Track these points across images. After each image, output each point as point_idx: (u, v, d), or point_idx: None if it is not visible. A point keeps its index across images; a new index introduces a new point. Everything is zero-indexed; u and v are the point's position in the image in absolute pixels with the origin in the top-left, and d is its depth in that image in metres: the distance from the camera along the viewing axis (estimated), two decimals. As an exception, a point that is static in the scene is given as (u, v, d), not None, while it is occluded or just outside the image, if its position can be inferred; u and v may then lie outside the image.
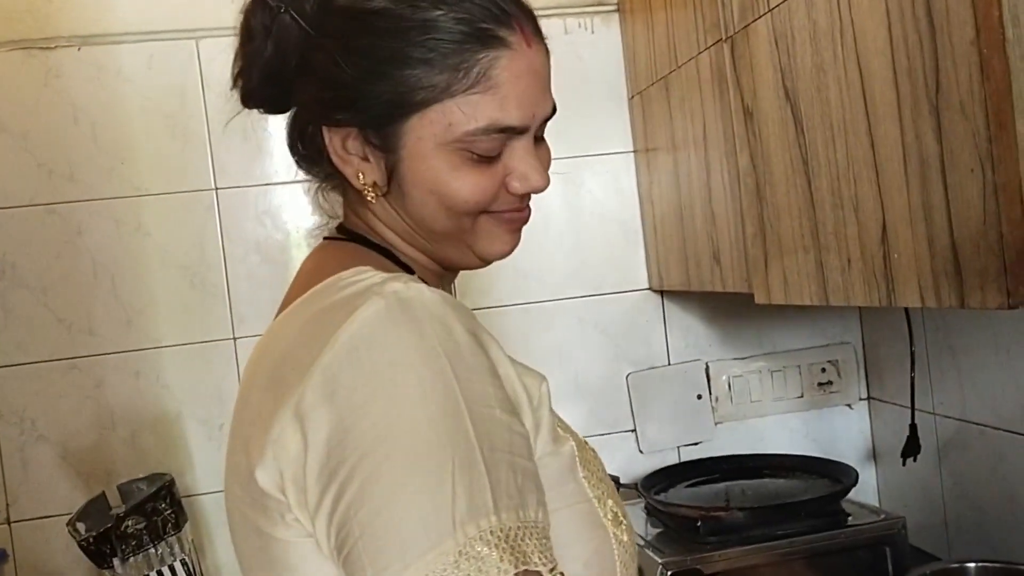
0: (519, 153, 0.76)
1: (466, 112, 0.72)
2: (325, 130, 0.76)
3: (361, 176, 0.77)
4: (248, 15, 0.78)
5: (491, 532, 0.61)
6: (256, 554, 0.71)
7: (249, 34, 0.78)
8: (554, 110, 0.80)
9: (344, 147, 0.76)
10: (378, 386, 0.64)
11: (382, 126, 0.74)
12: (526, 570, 0.61)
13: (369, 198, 0.77)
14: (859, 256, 1.01)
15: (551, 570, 0.63)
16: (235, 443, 0.73)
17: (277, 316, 0.76)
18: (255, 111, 0.84)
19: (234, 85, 0.81)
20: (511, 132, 0.75)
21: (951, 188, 0.85)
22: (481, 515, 0.61)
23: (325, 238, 0.84)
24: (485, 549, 0.60)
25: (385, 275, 0.70)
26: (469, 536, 0.60)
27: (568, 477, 0.73)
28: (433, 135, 0.73)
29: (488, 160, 0.75)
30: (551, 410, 0.74)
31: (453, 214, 0.76)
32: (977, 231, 0.82)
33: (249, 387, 0.73)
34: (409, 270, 0.79)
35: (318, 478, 0.64)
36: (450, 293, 0.86)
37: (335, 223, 0.85)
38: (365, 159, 0.76)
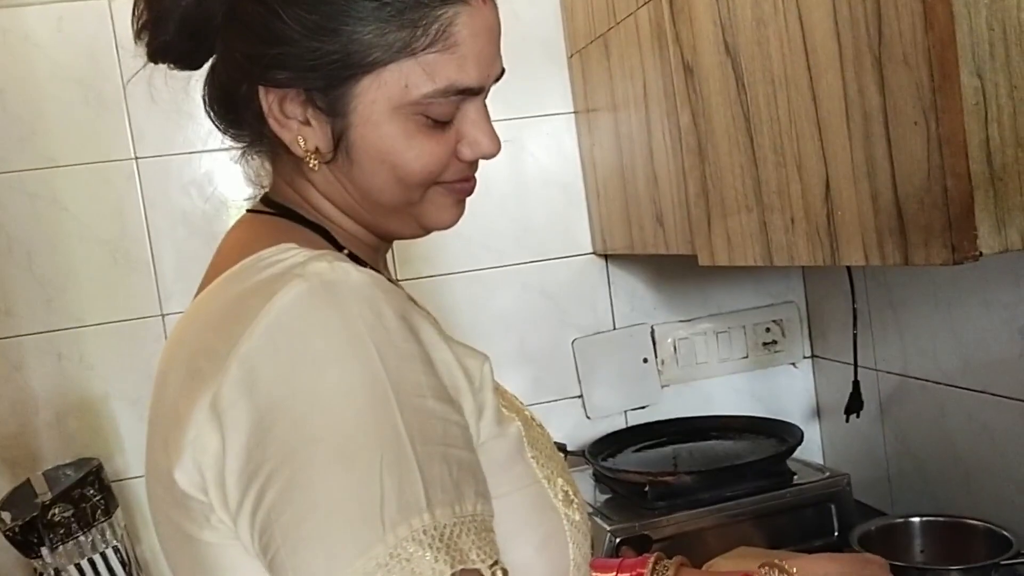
0: (471, 117, 0.72)
1: (425, 73, 0.67)
2: (261, 90, 0.69)
3: (302, 142, 0.70)
4: None
5: (424, 531, 0.57)
6: (184, 557, 0.66)
7: None
8: (503, 71, 0.75)
9: (282, 109, 0.69)
10: (299, 379, 0.59)
11: (330, 88, 0.67)
12: (463, 569, 0.58)
13: (311, 166, 0.71)
14: (803, 215, 0.99)
15: (491, 565, 0.59)
16: (154, 440, 0.67)
17: (196, 296, 0.71)
18: (169, 71, 0.75)
19: (138, 38, 0.73)
20: (468, 94, 0.70)
21: (894, 142, 0.82)
22: (413, 514, 0.57)
23: (248, 211, 0.77)
24: (418, 550, 0.56)
25: (309, 253, 0.65)
26: (400, 537, 0.56)
27: (516, 459, 0.70)
28: (388, 98, 0.67)
29: (441, 125, 0.70)
30: (495, 390, 0.70)
31: (404, 185, 0.71)
32: (921, 186, 0.80)
33: (165, 379, 0.67)
34: (339, 246, 0.74)
35: (238, 480, 0.59)
36: (383, 265, 0.82)
37: (262, 194, 0.79)
38: (306, 123, 0.70)
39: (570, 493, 0.72)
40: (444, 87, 0.68)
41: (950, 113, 0.77)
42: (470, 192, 0.77)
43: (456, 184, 0.75)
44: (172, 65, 0.75)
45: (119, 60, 1.49)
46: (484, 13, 0.70)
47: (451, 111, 0.70)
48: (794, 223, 1.00)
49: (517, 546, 0.65)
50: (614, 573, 0.96)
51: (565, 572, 0.70)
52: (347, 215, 0.75)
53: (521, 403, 0.78)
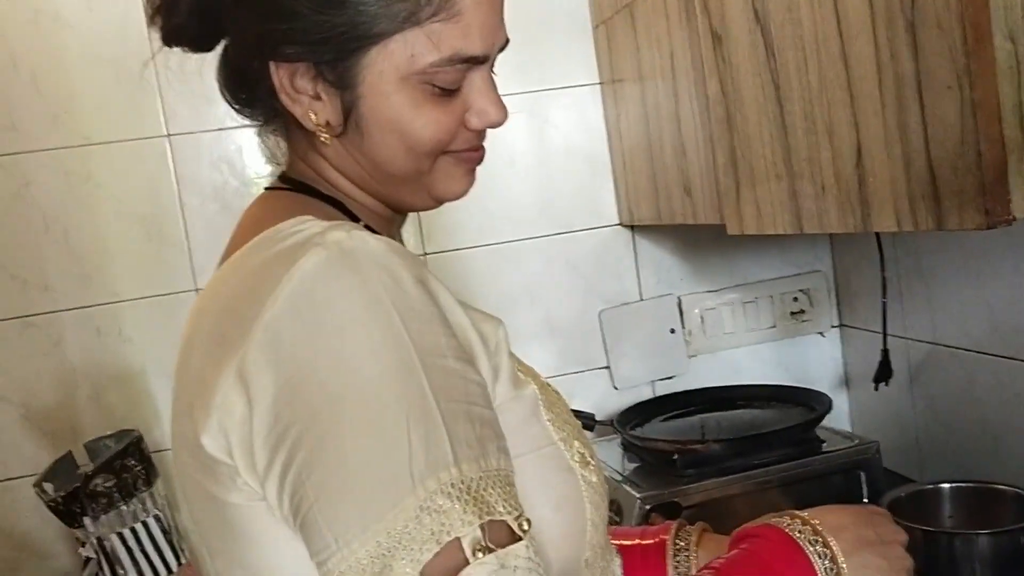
0: (477, 85, 0.73)
1: (431, 41, 0.68)
2: (272, 66, 0.70)
3: (313, 116, 0.71)
4: None
5: (452, 484, 0.59)
6: (211, 519, 0.68)
7: None
8: (506, 41, 0.76)
9: (292, 85, 0.71)
10: (324, 342, 0.60)
11: (339, 60, 0.69)
12: (491, 520, 0.59)
13: (323, 139, 0.72)
14: (833, 182, 0.99)
15: (516, 518, 0.61)
16: (179, 407, 0.69)
17: (217, 270, 0.72)
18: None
19: (152, 22, 0.75)
20: (473, 62, 0.71)
21: (928, 107, 0.82)
22: (440, 468, 0.59)
23: (266, 188, 0.79)
24: (447, 502, 0.58)
25: (326, 224, 0.66)
26: (429, 490, 0.58)
27: (532, 421, 0.71)
28: (395, 67, 0.69)
29: (449, 94, 0.71)
30: (510, 354, 0.72)
31: (414, 154, 0.72)
32: (954, 150, 0.80)
33: (190, 347, 0.69)
34: (355, 218, 0.75)
35: (265, 441, 0.61)
36: (399, 238, 0.83)
37: (279, 171, 0.80)
38: (316, 97, 0.71)
39: (586, 455, 0.73)
40: (449, 55, 0.69)
41: (983, 77, 0.76)
42: (479, 161, 0.78)
43: (464, 153, 0.76)
44: (186, 48, 0.77)
45: (149, 38, 1.50)
46: None
47: (457, 79, 0.71)
48: (824, 190, 1.00)
49: (534, 506, 0.66)
50: (637, 539, 0.97)
51: (582, 531, 0.71)
52: (360, 187, 0.76)
53: (536, 371, 0.79)
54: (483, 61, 0.72)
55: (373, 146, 0.72)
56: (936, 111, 0.81)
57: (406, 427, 0.59)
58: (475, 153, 0.77)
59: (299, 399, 0.60)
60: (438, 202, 0.78)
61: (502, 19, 0.74)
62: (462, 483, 0.59)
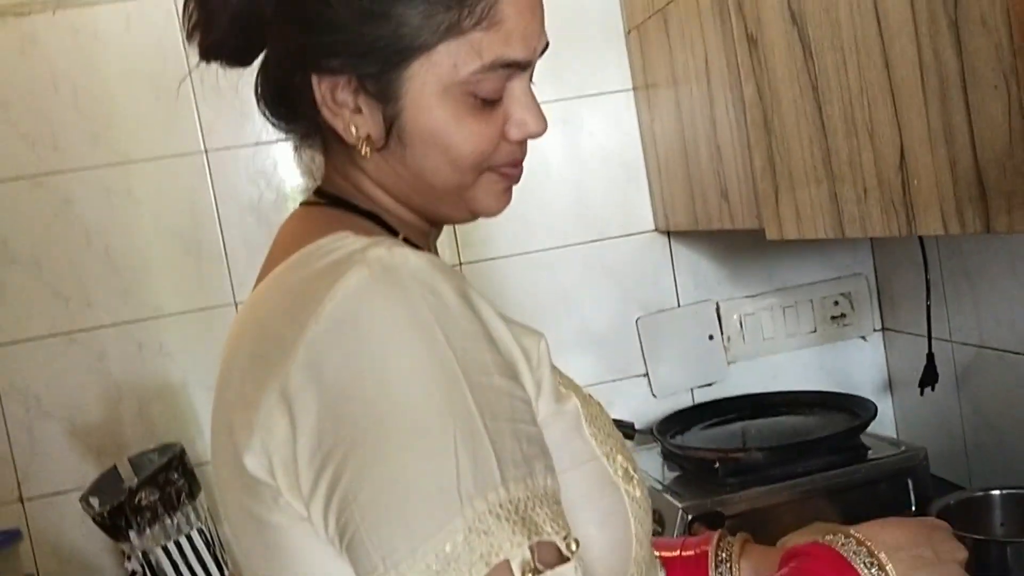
0: (516, 95, 0.73)
1: (473, 50, 0.68)
2: (314, 79, 0.70)
3: (354, 129, 0.71)
4: None
5: (500, 505, 0.58)
6: (252, 538, 0.67)
7: None
8: (547, 45, 0.75)
9: (333, 98, 0.70)
10: (368, 362, 0.60)
11: (382, 73, 0.68)
12: (539, 541, 0.59)
13: (364, 153, 0.72)
14: (875, 185, 0.97)
15: (564, 538, 0.60)
16: (219, 426, 0.69)
17: (255, 287, 0.72)
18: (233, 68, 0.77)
19: (190, 38, 0.75)
20: (515, 67, 0.71)
21: (973, 107, 0.80)
22: (489, 488, 0.58)
23: (302, 203, 0.79)
24: (496, 523, 0.57)
25: (367, 240, 0.66)
26: (478, 511, 0.57)
27: (574, 436, 0.70)
28: (438, 79, 0.68)
29: (490, 106, 0.71)
30: (552, 368, 0.71)
31: (456, 168, 0.72)
32: (1002, 151, 0.78)
33: (230, 366, 0.69)
34: (393, 232, 0.75)
35: (310, 462, 0.60)
36: (435, 249, 0.83)
37: (315, 186, 0.80)
38: (357, 110, 0.70)
39: (630, 470, 0.72)
40: (491, 61, 0.69)
41: (1032, 75, 0.74)
42: (518, 179, 0.78)
43: (506, 169, 0.75)
44: (224, 63, 0.76)
45: (186, 55, 1.51)
46: None
47: (498, 88, 0.71)
48: (867, 193, 0.99)
49: (579, 523, 0.65)
50: (678, 551, 0.96)
51: (628, 547, 0.70)
52: (399, 201, 0.76)
53: (577, 384, 0.78)
54: (525, 67, 0.72)
55: (415, 159, 0.72)
56: (982, 111, 0.79)
57: (453, 446, 0.58)
58: (514, 170, 0.76)
59: (344, 419, 0.59)
60: (474, 217, 0.78)
61: (543, 23, 0.73)
62: (510, 503, 0.58)
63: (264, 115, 0.78)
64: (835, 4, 0.98)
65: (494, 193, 0.76)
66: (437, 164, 0.72)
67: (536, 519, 0.59)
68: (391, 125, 0.70)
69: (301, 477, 0.61)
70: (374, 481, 0.58)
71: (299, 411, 0.60)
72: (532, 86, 0.76)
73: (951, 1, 0.81)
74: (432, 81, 0.68)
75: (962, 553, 0.82)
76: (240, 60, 0.76)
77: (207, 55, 0.75)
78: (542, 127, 0.74)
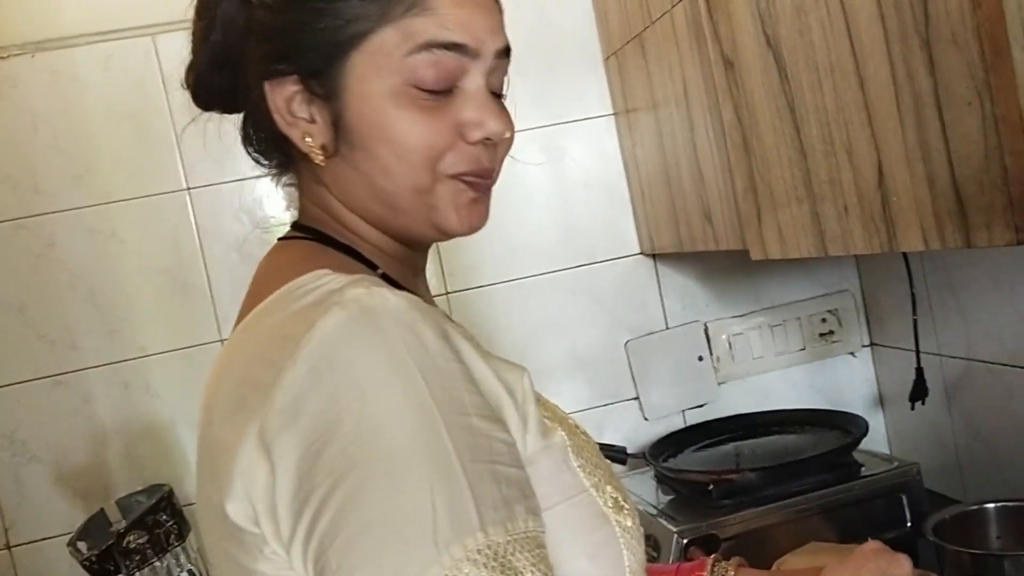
0: (470, 92, 0.71)
1: (403, 34, 0.68)
2: (267, 88, 0.71)
3: (309, 139, 0.71)
4: (197, 10, 0.75)
5: (478, 551, 0.57)
6: None
7: (198, 17, 0.75)
8: (508, 49, 0.74)
9: (289, 109, 0.71)
10: (345, 405, 0.59)
11: (323, 69, 0.69)
12: None
13: (318, 161, 0.71)
14: (856, 203, 0.97)
15: None
16: (203, 474, 0.68)
17: (235, 327, 0.72)
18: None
19: (185, 86, 0.77)
20: (456, 51, 0.69)
21: (948, 124, 0.81)
22: (467, 533, 0.57)
23: (280, 238, 0.78)
24: (474, 570, 0.56)
25: (345, 279, 0.65)
26: (456, 558, 0.56)
27: (562, 469, 0.69)
28: (375, 68, 0.68)
29: (437, 98, 0.70)
30: (536, 402, 0.70)
31: (406, 163, 0.70)
32: (979, 167, 0.78)
33: (211, 412, 0.68)
34: (372, 265, 0.74)
35: (289, 507, 0.60)
36: (422, 278, 0.82)
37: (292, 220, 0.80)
38: (312, 121, 0.71)
39: (620, 499, 0.72)
40: (424, 42, 0.68)
41: (1004, 91, 0.75)
42: (485, 189, 0.74)
43: (470, 177, 0.72)
44: (217, 108, 0.78)
45: (167, 94, 1.53)
46: None
47: (442, 77, 0.69)
48: (847, 211, 0.99)
49: (571, 556, 0.65)
50: None
51: None
52: (365, 219, 0.75)
53: (564, 412, 0.77)
54: (468, 52, 0.70)
55: (366, 160, 0.71)
56: (957, 127, 0.80)
57: (429, 491, 0.57)
58: (481, 180, 0.73)
59: (321, 463, 0.59)
60: (441, 232, 0.74)
61: (493, 20, 0.72)
62: (489, 548, 0.57)
63: (248, 154, 0.79)
64: (808, 26, 0.99)
65: (457, 205, 0.72)
66: (387, 161, 0.70)
67: (516, 564, 0.58)
68: (337, 123, 0.70)
69: (281, 522, 0.60)
70: (350, 526, 0.57)
71: (278, 457, 0.60)
72: (502, 98, 0.75)
73: (922, 20, 0.81)
74: (369, 70, 0.69)
75: (905, 567, 0.89)
76: (230, 103, 0.77)
77: (196, 97, 0.77)
78: (502, 127, 0.72)
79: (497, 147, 0.74)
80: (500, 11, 0.74)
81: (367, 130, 0.70)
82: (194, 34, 0.76)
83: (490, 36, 0.71)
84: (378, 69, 0.69)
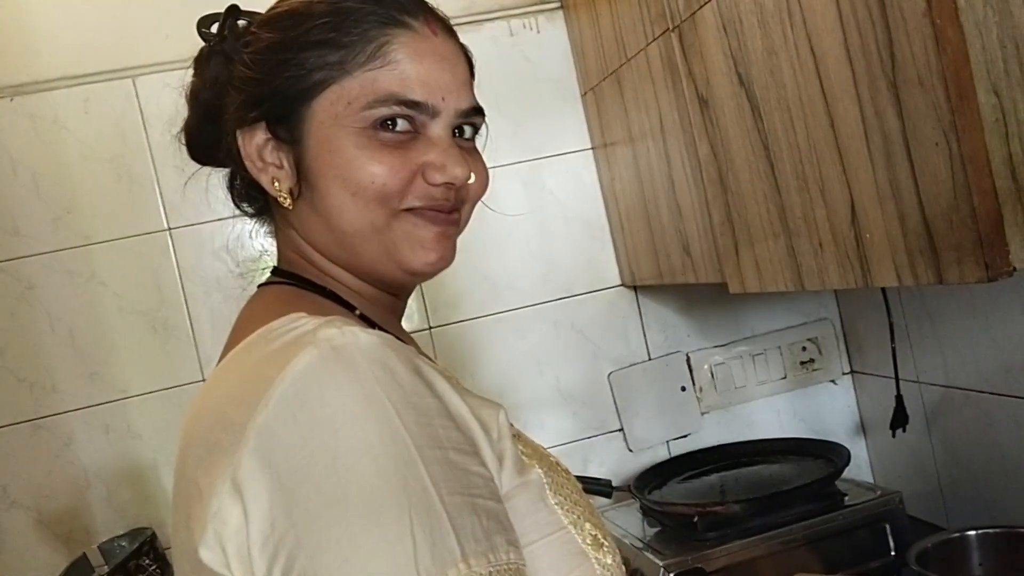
0: (432, 139, 0.73)
1: (362, 87, 0.71)
2: (239, 136, 0.74)
3: (276, 183, 0.74)
4: (194, 69, 0.80)
5: None
6: None
7: (194, 74, 0.79)
8: (478, 111, 0.76)
9: (260, 156, 0.74)
10: (318, 443, 0.59)
11: (287, 116, 0.72)
12: None
13: (285, 205, 0.74)
14: (830, 239, 0.99)
15: None
16: (178, 517, 0.68)
17: (214, 371, 0.72)
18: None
19: (182, 142, 0.81)
20: (413, 107, 0.71)
21: (917, 164, 0.83)
22: (448, 565, 0.57)
23: (260, 285, 0.79)
24: None
25: (319, 320, 0.65)
26: None
27: (539, 506, 0.69)
28: (335, 116, 0.71)
29: (398, 138, 0.71)
30: (513, 438, 0.70)
31: (359, 200, 0.71)
32: (948, 205, 0.80)
33: (185, 455, 0.68)
34: (350, 307, 0.75)
35: (262, 550, 0.59)
36: (399, 323, 0.82)
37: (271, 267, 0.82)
38: (280, 166, 0.74)
39: (599, 536, 0.72)
40: (383, 96, 0.70)
41: (970, 132, 0.77)
42: (451, 224, 0.75)
43: (428, 212, 0.73)
44: (210, 163, 0.81)
45: (147, 135, 1.53)
46: (433, 42, 0.73)
47: (403, 126, 0.71)
48: (822, 247, 1.01)
49: None
50: None
51: None
52: (333, 261, 0.76)
53: (544, 449, 0.77)
54: (428, 110, 0.72)
55: (322, 199, 0.72)
56: (926, 167, 0.81)
57: (409, 524, 0.57)
58: (442, 214, 0.74)
59: (295, 504, 0.58)
60: (407, 272, 0.74)
61: (458, 79, 0.74)
62: None
63: (234, 204, 0.82)
64: (779, 67, 1.00)
65: (416, 240, 0.73)
66: (340, 199, 0.72)
67: None
68: (299, 166, 0.73)
69: (255, 566, 0.60)
70: (328, 566, 0.57)
71: (250, 498, 0.59)
72: (473, 145, 0.77)
73: (888, 62, 0.83)
74: (328, 118, 0.71)
75: None
76: (216, 157, 0.80)
77: (190, 152, 0.81)
78: (464, 172, 0.73)
79: (461, 191, 0.75)
80: (467, 69, 0.76)
81: (323, 169, 0.72)
82: (189, 92, 0.80)
83: (451, 95, 0.73)
84: (336, 117, 0.71)
